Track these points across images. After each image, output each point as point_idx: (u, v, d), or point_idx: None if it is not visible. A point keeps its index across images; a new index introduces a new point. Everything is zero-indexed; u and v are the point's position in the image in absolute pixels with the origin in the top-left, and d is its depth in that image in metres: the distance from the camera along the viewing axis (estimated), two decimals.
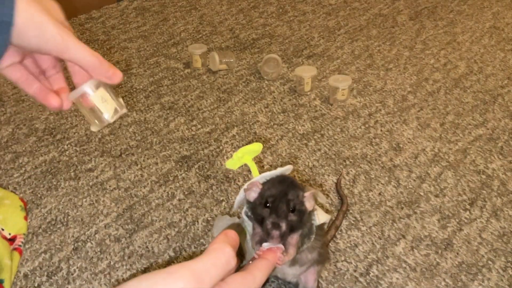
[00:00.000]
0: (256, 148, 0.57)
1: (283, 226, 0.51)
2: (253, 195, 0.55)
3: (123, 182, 0.86)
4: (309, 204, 0.55)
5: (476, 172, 0.85)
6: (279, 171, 0.56)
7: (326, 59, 1.21)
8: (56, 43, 0.48)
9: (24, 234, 0.76)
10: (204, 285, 0.40)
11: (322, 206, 0.79)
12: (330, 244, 0.72)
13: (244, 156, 0.57)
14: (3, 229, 0.74)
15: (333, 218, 0.76)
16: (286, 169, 0.56)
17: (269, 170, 0.86)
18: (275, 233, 0.51)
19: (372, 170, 0.86)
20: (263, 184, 0.55)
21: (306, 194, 0.55)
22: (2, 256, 0.69)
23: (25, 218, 0.78)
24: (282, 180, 0.55)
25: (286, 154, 0.91)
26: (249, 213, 0.55)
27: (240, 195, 0.59)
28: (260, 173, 0.56)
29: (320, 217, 0.58)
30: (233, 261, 0.43)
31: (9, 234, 0.74)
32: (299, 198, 0.54)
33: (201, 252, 0.72)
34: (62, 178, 0.87)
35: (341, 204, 0.79)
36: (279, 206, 0.52)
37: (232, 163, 0.57)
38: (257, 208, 0.53)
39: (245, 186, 0.55)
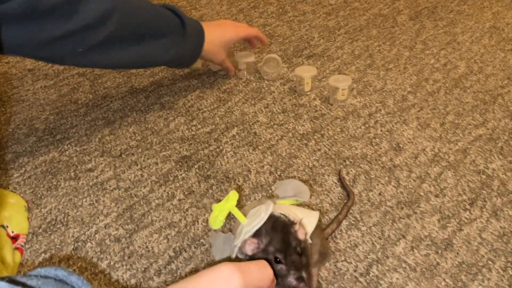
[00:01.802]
0: (232, 198, 0.58)
1: (305, 276, 0.53)
2: (250, 248, 0.55)
3: (123, 182, 0.86)
4: (301, 234, 0.55)
5: (476, 172, 0.85)
6: (263, 214, 0.55)
7: (326, 59, 1.21)
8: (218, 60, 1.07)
9: (26, 234, 0.76)
10: (246, 278, 0.43)
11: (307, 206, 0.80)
12: (330, 244, 0.72)
13: (223, 210, 0.57)
14: (7, 226, 0.74)
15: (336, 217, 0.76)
16: (269, 208, 0.56)
17: (269, 170, 0.87)
18: (302, 285, 0.52)
19: (372, 170, 0.86)
20: (257, 237, 0.55)
21: (296, 227, 0.55)
22: (6, 256, 0.69)
23: (28, 219, 0.78)
24: (273, 225, 0.55)
25: (286, 154, 0.91)
26: None
27: (219, 245, 0.60)
28: (243, 211, 0.58)
29: (309, 229, 0.59)
30: (272, 280, 0.46)
31: (12, 232, 0.74)
32: (297, 238, 0.55)
33: (201, 252, 0.73)
34: (62, 178, 0.87)
35: (347, 199, 0.79)
36: (294, 260, 0.53)
37: (215, 222, 0.58)
38: None
39: (237, 243, 0.55)
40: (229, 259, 0.62)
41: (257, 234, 0.55)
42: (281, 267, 0.53)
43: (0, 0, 0.69)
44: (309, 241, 0.57)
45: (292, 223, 0.56)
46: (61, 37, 0.77)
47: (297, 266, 0.53)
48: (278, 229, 0.55)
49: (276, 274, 0.53)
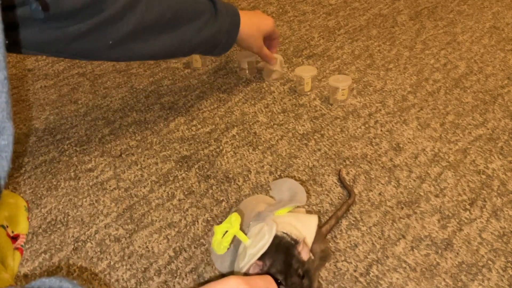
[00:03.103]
0: (235, 222, 0.57)
1: None
2: (255, 271, 0.55)
3: (123, 182, 0.86)
4: (304, 254, 0.56)
5: (476, 172, 0.85)
6: (267, 237, 0.55)
7: (326, 59, 1.21)
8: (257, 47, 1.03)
9: (26, 234, 0.76)
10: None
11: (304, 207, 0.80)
12: (330, 244, 0.73)
13: (228, 236, 0.57)
14: (7, 226, 0.74)
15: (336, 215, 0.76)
16: (272, 230, 0.56)
17: (269, 170, 0.87)
18: None
19: (372, 170, 0.86)
20: (261, 259, 0.55)
21: (299, 247, 0.55)
22: (6, 256, 0.69)
23: (28, 219, 0.78)
24: (275, 247, 0.55)
25: (286, 154, 0.91)
26: None
27: (218, 261, 0.62)
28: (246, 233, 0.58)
29: (309, 237, 0.59)
30: None
31: (12, 232, 0.74)
32: (300, 259, 0.55)
33: (201, 252, 0.72)
34: (62, 178, 0.87)
35: (348, 197, 0.79)
36: (293, 282, 0.54)
37: (219, 247, 0.57)
38: None
39: (243, 266, 0.55)
40: (230, 268, 0.62)
41: (261, 256, 0.55)
42: None
43: (23, 1, 0.68)
44: (312, 257, 0.57)
45: (296, 244, 0.56)
46: (89, 31, 0.76)
47: None
48: (281, 250, 0.55)
49: None
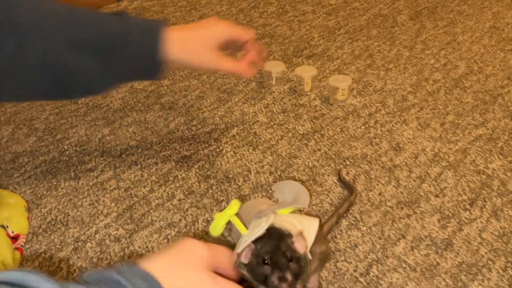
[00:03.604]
0: (233, 205, 0.60)
1: (289, 277, 0.53)
2: (248, 256, 0.56)
3: (123, 182, 0.86)
4: (299, 246, 0.56)
5: (476, 172, 0.85)
6: (264, 224, 0.56)
7: (326, 59, 1.21)
8: (203, 64, 0.77)
9: (26, 234, 0.76)
10: (210, 249, 0.51)
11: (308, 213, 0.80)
12: (330, 244, 0.72)
13: (224, 216, 0.59)
14: (7, 226, 0.74)
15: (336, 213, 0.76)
16: (269, 219, 0.57)
17: (269, 170, 0.87)
18: (284, 285, 0.53)
19: (372, 170, 0.86)
20: (255, 244, 0.56)
21: (294, 238, 0.56)
22: (6, 256, 0.69)
23: (28, 219, 0.78)
24: (269, 234, 0.56)
25: (286, 154, 0.91)
26: (249, 276, 0.56)
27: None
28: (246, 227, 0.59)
29: (309, 240, 0.59)
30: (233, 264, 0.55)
31: (12, 232, 0.75)
32: (292, 247, 0.55)
33: None
34: (62, 178, 0.87)
35: (349, 194, 0.79)
36: (278, 260, 0.54)
37: (215, 229, 0.59)
38: (256, 268, 0.55)
39: (239, 250, 0.56)
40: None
41: (254, 241, 0.56)
42: (267, 267, 0.54)
43: None
44: (309, 257, 0.57)
45: (289, 235, 0.56)
46: None
47: (281, 267, 0.53)
48: (274, 237, 0.56)
49: (264, 275, 0.54)
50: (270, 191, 0.82)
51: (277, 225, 0.57)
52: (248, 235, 0.57)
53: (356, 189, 0.80)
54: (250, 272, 0.55)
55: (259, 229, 0.56)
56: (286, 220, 0.59)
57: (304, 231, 0.58)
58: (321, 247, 0.63)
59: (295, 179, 0.84)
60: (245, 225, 0.60)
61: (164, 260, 0.47)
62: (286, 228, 0.57)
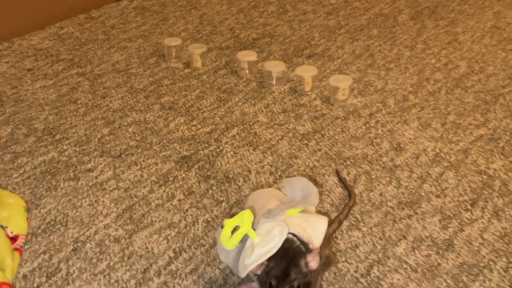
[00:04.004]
0: (247, 220, 0.57)
1: None
2: (260, 270, 0.56)
3: (122, 183, 0.86)
4: (314, 264, 0.56)
5: (477, 173, 0.85)
6: (277, 241, 0.55)
7: (326, 59, 1.21)
8: None
9: (25, 235, 0.76)
10: None
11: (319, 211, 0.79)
12: (331, 245, 0.72)
13: (238, 234, 0.57)
14: (6, 227, 0.74)
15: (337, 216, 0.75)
16: (283, 233, 0.56)
17: (269, 170, 0.86)
18: None
19: (373, 170, 0.86)
20: (267, 260, 0.55)
21: (309, 257, 0.55)
22: (5, 257, 0.69)
23: (27, 220, 0.78)
24: (284, 253, 0.55)
25: (286, 154, 0.90)
26: (258, 286, 0.57)
27: (223, 253, 0.62)
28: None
29: (318, 240, 0.59)
30: None
31: (11, 232, 0.74)
32: (303, 272, 0.55)
33: (201, 253, 0.72)
34: (61, 179, 0.87)
35: (348, 198, 0.79)
36: None
37: (228, 243, 0.57)
38: (264, 285, 0.56)
39: (249, 263, 0.55)
40: (235, 260, 0.62)
41: (268, 258, 0.56)
42: None
43: None
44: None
45: (304, 254, 0.56)
46: None
47: None
48: (286, 257, 0.55)
49: None
50: (282, 188, 0.82)
51: (289, 235, 0.56)
52: (260, 246, 0.55)
53: (354, 192, 0.80)
54: (259, 282, 0.57)
55: (272, 246, 0.54)
56: (296, 223, 0.59)
57: (313, 232, 0.57)
58: (326, 251, 0.63)
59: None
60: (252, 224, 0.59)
61: None
62: (299, 235, 0.57)
